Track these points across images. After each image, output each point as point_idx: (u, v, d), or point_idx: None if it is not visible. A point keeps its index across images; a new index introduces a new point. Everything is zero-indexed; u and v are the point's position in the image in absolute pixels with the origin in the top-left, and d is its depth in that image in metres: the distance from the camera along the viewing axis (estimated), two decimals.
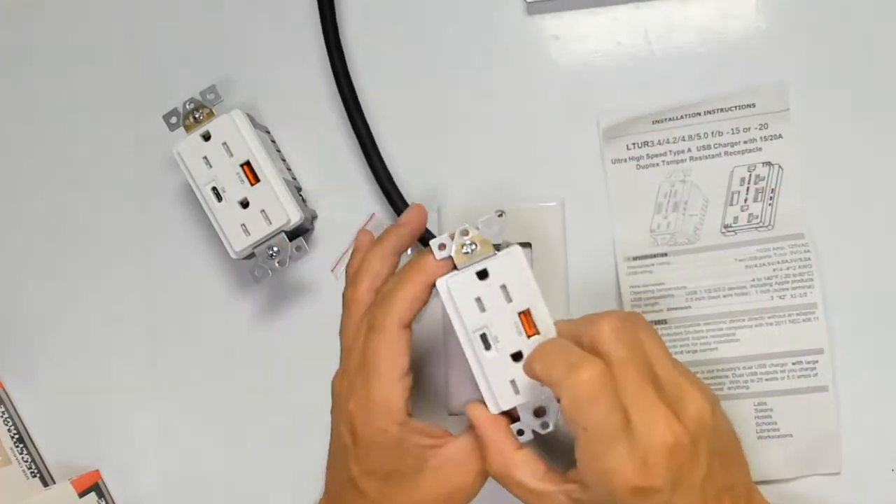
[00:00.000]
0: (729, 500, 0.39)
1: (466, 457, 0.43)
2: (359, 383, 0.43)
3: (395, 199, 0.52)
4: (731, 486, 0.39)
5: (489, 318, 0.42)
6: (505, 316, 0.42)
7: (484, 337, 0.42)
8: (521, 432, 0.43)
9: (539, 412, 0.42)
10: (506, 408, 0.42)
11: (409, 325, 0.43)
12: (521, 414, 0.42)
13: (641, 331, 0.40)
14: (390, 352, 0.42)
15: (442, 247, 0.42)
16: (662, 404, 0.37)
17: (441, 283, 0.42)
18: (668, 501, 0.37)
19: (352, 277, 0.47)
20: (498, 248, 0.42)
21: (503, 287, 0.42)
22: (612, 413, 0.37)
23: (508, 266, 0.42)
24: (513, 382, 0.42)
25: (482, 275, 0.42)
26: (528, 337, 0.42)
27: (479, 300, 0.42)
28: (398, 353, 0.43)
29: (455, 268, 0.42)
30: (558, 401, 0.41)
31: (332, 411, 0.45)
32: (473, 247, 0.42)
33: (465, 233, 0.42)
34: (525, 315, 0.42)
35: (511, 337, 0.42)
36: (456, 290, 0.42)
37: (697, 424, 0.38)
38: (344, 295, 0.47)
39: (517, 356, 0.42)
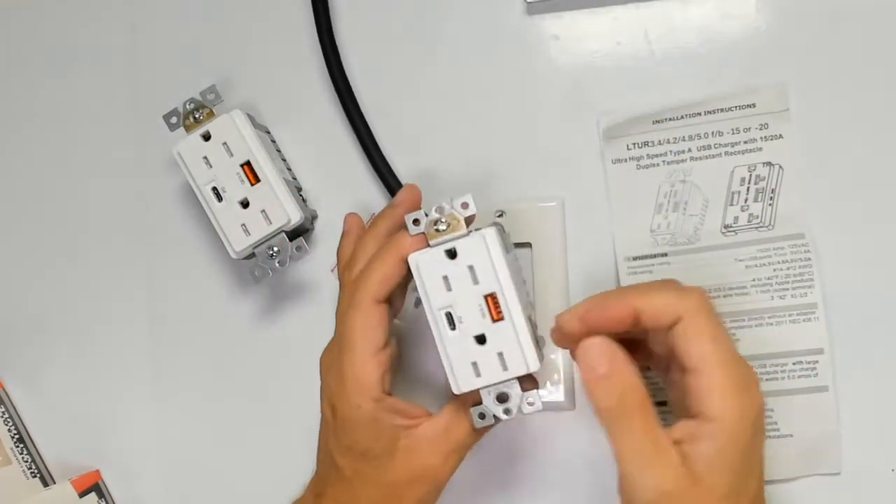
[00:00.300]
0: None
1: (437, 437, 0.43)
2: (336, 359, 0.44)
3: (394, 190, 0.52)
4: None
5: (454, 298, 0.42)
6: (470, 297, 0.42)
7: (449, 316, 0.42)
8: (482, 416, 0.43)
9: (501, 398, 0.42)
10: (466, 389, 0.42)
11: (384, 301, 0.43)
12: (484, 398, 0.42)
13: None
14: (363, 328, 0.43)
15: (416, 222, 0.42)
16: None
17: (412, 259, 0.42)
18: (761, 447, 0.39)
19: (348, 260, 0.47)
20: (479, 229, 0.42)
21: (470, 268, 0.42)
22: (726, 332, 0.39)
23: (477, 248, 0.41)
24: (474, 364, 0.42)
25: (451, 254, 0.42)
26: (493, 321, 0.42)
27: (445, 279, 0.42)
28: (371, 328, 0.43)
29: (428, 243, 0.42)
30: (522, 385, 0.42)
31: (320, 387, 0.46)
32: (445, 225, 0.42)
33: (439, 210, 0.42)
34: (491, 298, 0.42)
35: (475, 319, 0.42)
36: (424, 267, 0.42)
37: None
38: (340, 277, 0.47)
39: (480, 339, 0.42)
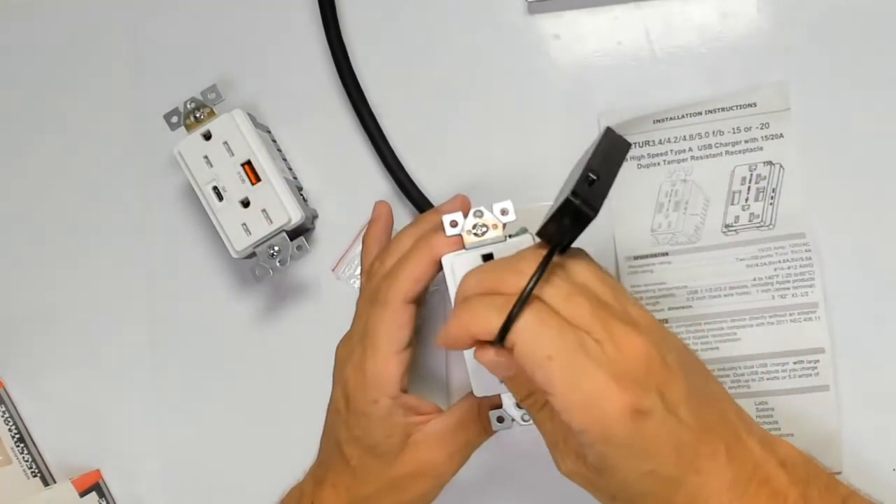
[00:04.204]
0: (715, 409, 0.37)
1: (446, 434, 0.44)
2: (358, 352, 0.44)
3: (406, 187, 0.52)
4: (711, 394, 0.38)
5: None
6: None
7: None
8: (500, 420, 0.43)
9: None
10: (489, 394, 0.42)
11: (413, 301, 0.43)
12: (504, 402, 0.43)
13: (572, 261, 0.38)
14: (390, 326, 0.43)
15: (454, 224, 0.42)
16: (621, 321, 0.35)
17: (446, 260, 0.42)
18: (665, 420, 0.35)
19: (380, 253, 0.46)
20: (512, 235, 0.42)
21: None
22: (567, 332, 0.34)
23: None
24: None
25: (487, 258, 0.42)
26: None
27: None
28: (398, 328, 0.43)
29: (464, 246, 0.43)
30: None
31: (333, 374, 0.46)
32: (484, 229, 0.42)
33: (478, 214, 0.42)
34: None
35: None
36: (459, 269, 0.42)
37: (657, 334, 0.36)
38: (370, 266, 0.47)
39: None
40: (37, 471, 0.55)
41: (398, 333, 0.43)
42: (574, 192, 0.35)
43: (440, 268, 0.43)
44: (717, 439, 0.36)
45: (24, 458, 0.55)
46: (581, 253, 0.39)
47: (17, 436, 0.56)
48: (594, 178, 0.36)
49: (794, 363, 0.48)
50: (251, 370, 0.55)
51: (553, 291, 0.36)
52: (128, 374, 0.56)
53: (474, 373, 0.42)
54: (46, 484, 0.55)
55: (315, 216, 0.54)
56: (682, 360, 0.37)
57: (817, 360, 0.48)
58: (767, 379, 0.48)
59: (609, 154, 0.37)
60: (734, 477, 0.36)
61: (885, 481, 0.48)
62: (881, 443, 0.48)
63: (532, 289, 0.35)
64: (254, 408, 0.55)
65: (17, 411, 0.57)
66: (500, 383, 0.42)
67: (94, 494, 0.54)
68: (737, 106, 0.50)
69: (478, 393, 0.42)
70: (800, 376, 0.48)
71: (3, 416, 0.56)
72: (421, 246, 0.43)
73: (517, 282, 0.35)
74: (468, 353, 0.42)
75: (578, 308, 0.35)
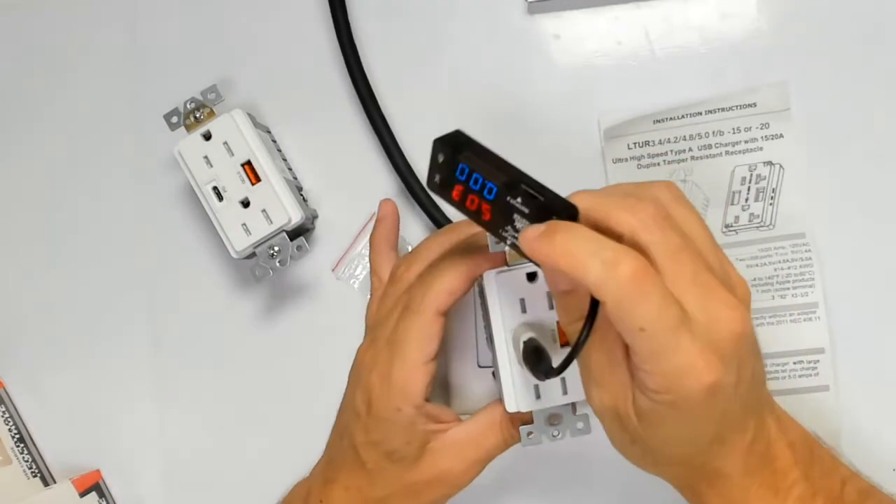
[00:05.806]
0: (760, 390, 0.37)
1: (466, 444, 0.44)
2: (384, 358, 0.43)
3: (415, 189, 0.52)
4: (762, 375, 0.38)
5: (528, 321, 0.41)
6: (545, 323, 0.41)
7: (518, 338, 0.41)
8: (530, 434, 0.43)
9: (553, 420, 0.42)
10: (523, 409, 0.42)
11: (445, 313, 0.43)
12: (536, 418, 0.43)
13: (682, 208, 0.36)
14: (421, 336, 0.42)
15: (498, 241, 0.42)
16: (723, 289, 0.33)
17: (489, 276, 0.42)
18: (729, 396, 0.33)
19: (407, 257, 0.46)
20: None
21: (548, 294, 0.41)
22: (668, 306, 0.32)
23: None
24: (536, 387, 0.42)
25: (531, 277, 0.41)
26: (561, 346, 0.41)
27: (522, 301, 0.41)
28: (428, 339, 0.42)
29: (506, 263, 0.42)
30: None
31: (350, 376, 0.46)
32: None
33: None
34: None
35: (547, 344, 0.41)
36: (503, 286, 0.41)
37: (749, 302, 0.35)
38: (395, 270, 0.46)
39: None
40: (37, 471, 0.55)
41: (427, 344, 0.42)
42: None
43: (474, 283, 0.42)
44: (752, 417, 0.37)
45: (24, 458, 0.55)
46: (685, 200, 0.36)
47: (17, 436, 0.56)
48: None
49: (794, 363, 0.48)
50: (251, 370, 0.55)
51: (663, 242, 0.33)
52: (128, 374, 0.56)
53: (510, 388, 0.42)
54: (46, 484, 0.55)
55: (315, 216, 0.54)
56: (756, 336, 0.36)
57: (817, 360, 0.48)
58: (767, 379, 0.48)
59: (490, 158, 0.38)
60: (750, 452, 0.37)
61: (885, 481, 0.48)
62: (881, 443, 0.48)
63: (584, 340, 0.33)
64: (254, 408, 0.55)
65: (17, 411, 0.57)
66: (535, 399, 0.41)
67: (94, 494, 0.54)
68: (737, 106, 0.50)
69: (511, 408, 0.42)
70: (800, 376, 0.48)
71: (3, 416, 0.56)
72: (460, 260, 0.42)
73: (630, 222, 0.33)
74: (507, 369, 0.42)
75: (682, 268, 0.33)
